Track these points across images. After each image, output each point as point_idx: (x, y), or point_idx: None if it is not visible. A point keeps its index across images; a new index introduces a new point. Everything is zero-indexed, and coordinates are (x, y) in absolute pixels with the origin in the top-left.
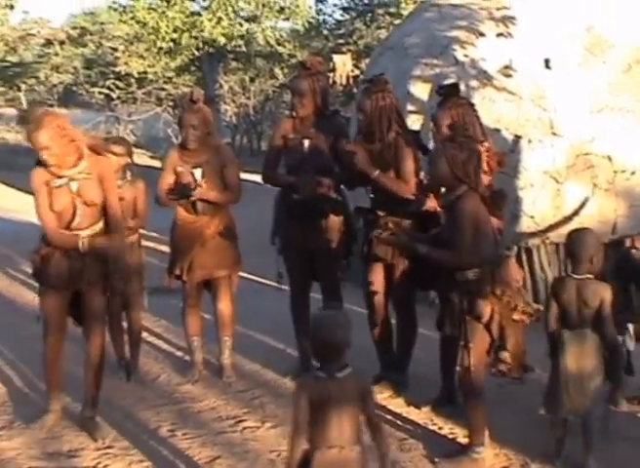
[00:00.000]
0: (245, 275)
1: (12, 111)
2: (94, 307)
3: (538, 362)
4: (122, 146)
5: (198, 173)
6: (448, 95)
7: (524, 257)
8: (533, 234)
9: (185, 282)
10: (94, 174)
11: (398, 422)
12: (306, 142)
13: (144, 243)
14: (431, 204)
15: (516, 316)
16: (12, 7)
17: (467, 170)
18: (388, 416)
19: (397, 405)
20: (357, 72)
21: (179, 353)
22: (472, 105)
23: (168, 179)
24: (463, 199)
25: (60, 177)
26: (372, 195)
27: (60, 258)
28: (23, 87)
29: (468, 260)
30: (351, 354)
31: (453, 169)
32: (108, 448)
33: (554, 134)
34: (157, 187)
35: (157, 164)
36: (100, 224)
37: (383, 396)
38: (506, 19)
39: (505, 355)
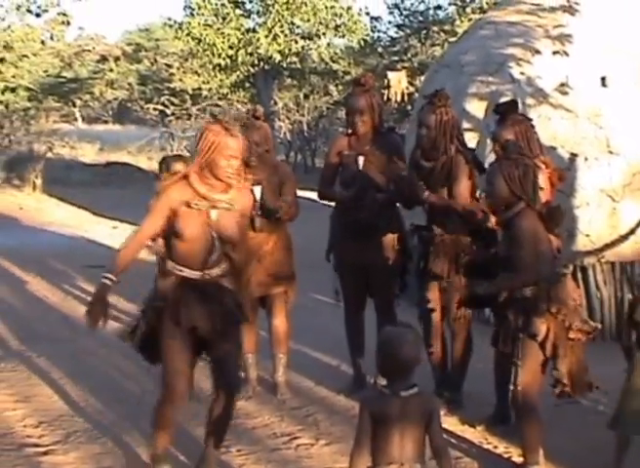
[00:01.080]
0: (300, 292)
1: (67, 127)
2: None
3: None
4: (182, 163)
5: (257, 190)
6: (507, 112)
7: (579, 276)
8: (588, 253)
9: None
10: (237, 206)
11: (452, 441)
12: (361, 159)
13: None
14: (493, 221)
15: (572, 334)
16: (68, 23)
17: (524, 186)
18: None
19: (451, 423)
20: (412, 89)
21: None
22: (531, 121)
23: None
24: (521, 216)
25: (203, 199)
26: (428, 212)
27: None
28: (78, 103)
29: (528, 278)
30: None
31: (510, 186)
32: None
33: (610, 152)
34: None
35: None
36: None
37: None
38: (562, 37)
39: (560, 374)
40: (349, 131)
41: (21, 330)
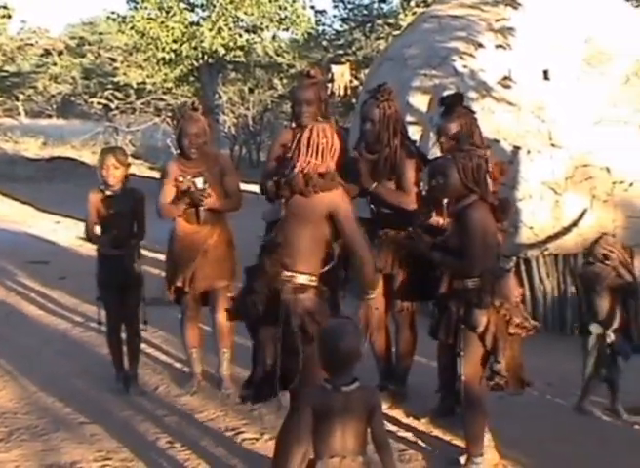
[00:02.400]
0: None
1: (10, 121)
2: None
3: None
4: (123, 156)
5: (200, 181)
6: (452, 104)
7: (523, 268)
8: (532, 245)
9: (187, 293)
10: None
11: (397, 433)
12: None
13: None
14: (436, 218)
15: (512, 329)
16: (9, 16)
17: (477, 179)
18: (387, 427)
19: (396, 416)
20: (356, 83)
21: (177, 364)
22: (474, 114)
23: (169, 191)
24: (473, 208)
25: None
26: (372, 206)
27: None
28: (21, 97)
29: (472, 269)
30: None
31: (463, 178)
32: (107, 460)
33: (553, 145)
34: (158, 199)
35: (156, 174)
36: None
37: (383, 407)
38: (505, 31)
39: (499, 367)
40: (294, 123)
41: None
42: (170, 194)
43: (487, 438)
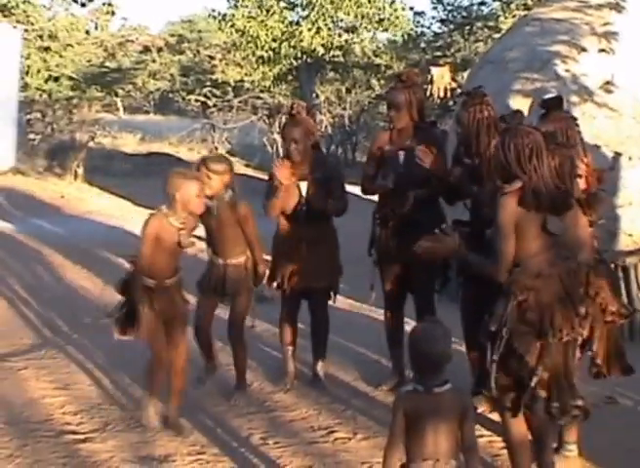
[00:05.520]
0: (342, 286)
1: (109, 116)
2: None
3: None
4: (223, 164)
5: (303, 185)
6: (551, 107)
7: (621, 276)
8: (630, 252)
9: (285, 291)
10: None
11: (493, 437)
12: (402, 154)
13: None
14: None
15: (609, 317)
16: (113, 13)
17: (563, 177)
18: (482, 431)
19: (492, 420)
20: (455, 85)
21: (271, 362)
22: (575, 120)
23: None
24: (508, 195)
25: None
26: (471, 209)
27: None
28: (121, 93)
29: (503, 269)
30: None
31: (506, 156)
32: (200, 453)
33: None
34: (264, 198)
35: (251, 172)
36: None
37: (478, 411)
38: (609, 35)
39: (595, 354)
40: (390, 125)
41: (62, 318)
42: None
43: (573, 447)
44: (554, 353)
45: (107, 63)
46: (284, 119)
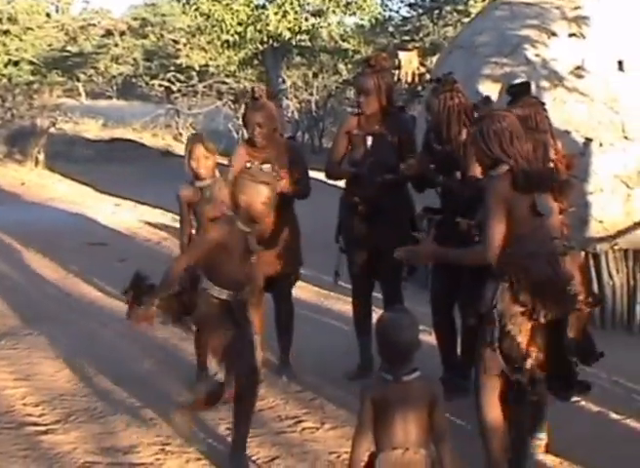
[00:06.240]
0: (306, 274)
1: (70, 102)
2: None
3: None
4: (212, 144)
5: (267, 168)
6: (519, 93)
7: (591, 263)
8: (601, 239)
9: None
10: None
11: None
12: (370, 139)
13: None
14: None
15: (578, 305)
16: None
17: (506, 146)
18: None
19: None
20: (423, 70)
21: None
22: (543, 105)
23: None
24: (497, 179)
25: None
26: (441, 196)
27: None
28: (82, 78)
29: (491, 253)
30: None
31: (487, 142)
32: (165, 444)
33: (626, 137)
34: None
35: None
36: None
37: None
38: (579, 19)
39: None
40: (358, 110)
41: (22, 307)
42: None
43: (543, 435)
44: (547, 333)
45: (69, 47)
46: (246, 104)
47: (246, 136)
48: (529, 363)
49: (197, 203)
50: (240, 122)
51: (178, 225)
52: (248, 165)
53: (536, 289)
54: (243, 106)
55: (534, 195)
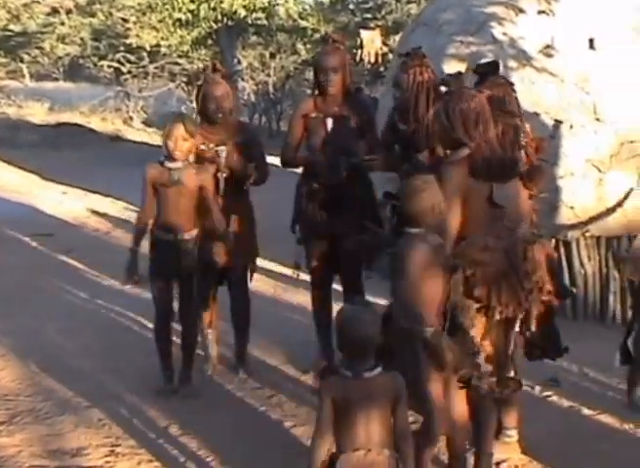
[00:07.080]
0: (262, 265)
1: (14, 84)
2: None
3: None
4: (193, 127)
5: (223, 150)
6: (486, 73)
7: (562, 251)
8: (572, 226)
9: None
10: None
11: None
12: (330, 122)
13: None
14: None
15: (545, 296)
16: None
17: (504, 147)
18: None
19: None
20: (386, 49)
21: None
22: (512, 86)
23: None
24: (455, 164)
25: None
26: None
27: None
28: (26, 58)
29: (449, 241)
30: None
31: (450, 122)
32: (115, 446)
33: (598, 119)
34: None
35: None
36: None
37: None
38: None
39: (532, 334)
40: (316, 91)
41: None
42: None
43: (513, 432)
44: (497, 328)
45: (11, 26)
46: (200, 81)
47: (199, 119)
48: (481, 357)
49: (163, 185)
50: (194, 105)
51: (128, 215)
52: (202, 147)
53: (491, 284)
54: (198, 84)
55: (491, 184)
